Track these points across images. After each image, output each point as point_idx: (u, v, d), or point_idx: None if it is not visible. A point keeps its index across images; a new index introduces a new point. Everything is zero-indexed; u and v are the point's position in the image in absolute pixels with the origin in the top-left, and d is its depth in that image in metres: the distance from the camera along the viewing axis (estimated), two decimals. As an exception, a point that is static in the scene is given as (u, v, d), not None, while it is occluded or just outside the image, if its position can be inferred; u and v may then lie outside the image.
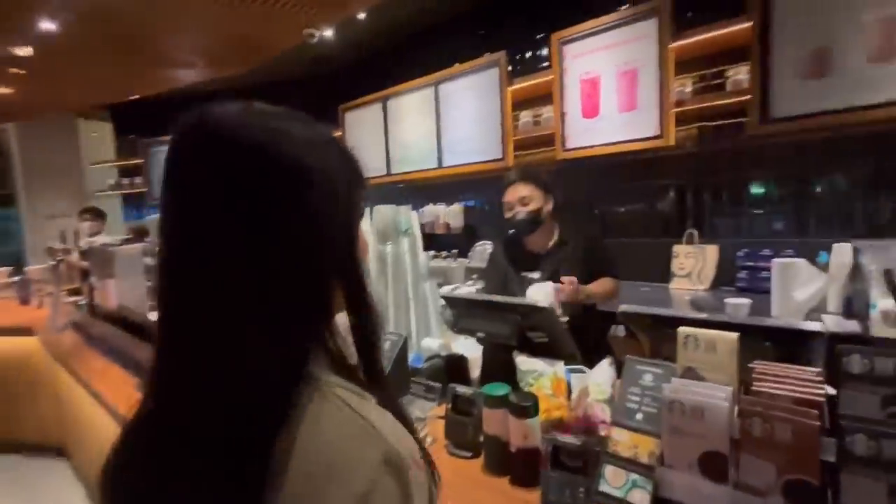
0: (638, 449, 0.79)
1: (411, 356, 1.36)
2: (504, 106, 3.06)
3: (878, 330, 1.32)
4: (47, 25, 2.84)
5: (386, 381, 0.49)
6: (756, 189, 2.48)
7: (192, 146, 0.41)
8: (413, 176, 3.70)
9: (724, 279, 2.44)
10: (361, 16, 3.25)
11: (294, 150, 0.42)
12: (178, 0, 2.67)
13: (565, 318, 1.42)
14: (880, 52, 1.84)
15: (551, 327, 1.15)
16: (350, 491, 0.37)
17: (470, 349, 1.40)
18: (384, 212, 1.46)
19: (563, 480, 0.84)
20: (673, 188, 2.72)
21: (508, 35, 3.32)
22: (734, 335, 0.74)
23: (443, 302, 1.51)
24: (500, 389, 0.98)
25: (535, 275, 1.66)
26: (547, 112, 2.97)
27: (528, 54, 3.23)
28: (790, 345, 0.86)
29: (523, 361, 1.12)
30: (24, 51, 3.23)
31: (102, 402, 1.62)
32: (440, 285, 1.92)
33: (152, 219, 2.11)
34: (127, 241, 2.45)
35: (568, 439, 0.85)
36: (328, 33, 3.26)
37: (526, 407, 0.91)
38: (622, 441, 0.82)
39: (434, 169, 3.51)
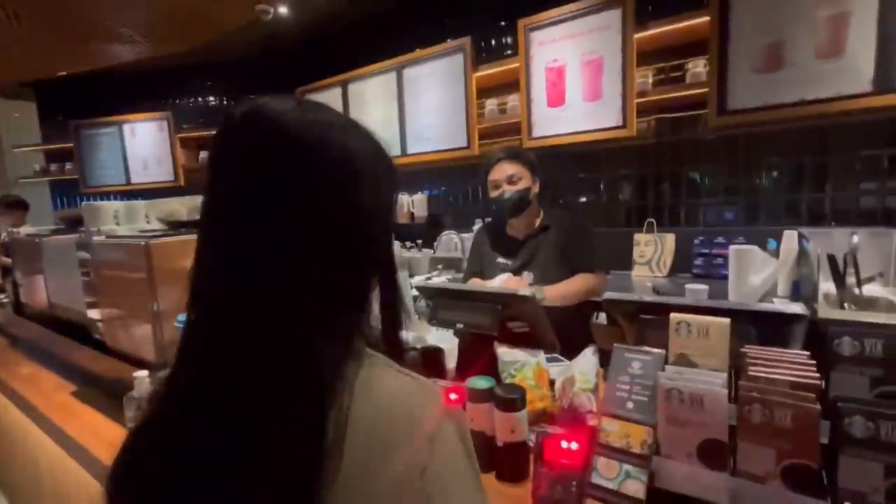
0: (630, 438, 0.77)
1: (384, 350, 1.29)
2: (469, 93, 3.01)
3: (823, 312, 1.38)
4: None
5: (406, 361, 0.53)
6: (710, 179, 2.58)
7: (247, 136, 0.43)
8: (375, 164, 3.58)
9: (682, 266, 2.53)
10: (319, -8, 3.08)
11: (345, 142, 0.46)
12: (112, -35, 2.41)
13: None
14: (829, 47, 1.94)
15: (533, 316, 1.12)
16: (421, 435, 0.41)
17: (445, 340, 1.35)
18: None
19: (553, 475, 0.81)
20: (633, 178, 2.79)
21: (474, 20, 3.25)
22: (726, 320, 0.73)
23: (415, 293, 1.45)
24: (483, 382, 0.93)
25: (509, 262, 1.62)
26: (513, 100, 2.95)
27: (494, 41, 3.18)
28: (768, 329, 0.88)
29: (505, 352, 1.09)
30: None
31: (32, 412, 1.45)
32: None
33: (88, 205, 1.90)
34: (57, 232, 2.21)
35: (557, 432, 0.83)
36: (283, 10, 3.07)
37: (513, 400, 0.87)
38: (613, 431, 0.80)
39: (398, 157, 3.41)
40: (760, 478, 0.62)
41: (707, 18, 2.22)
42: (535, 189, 1.65)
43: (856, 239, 1.47)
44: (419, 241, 3.43)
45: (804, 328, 0.83)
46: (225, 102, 4.97)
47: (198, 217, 0.46)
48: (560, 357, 1.24)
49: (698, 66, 2.36)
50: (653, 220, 2.64)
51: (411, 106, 3.31)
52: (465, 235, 3.06)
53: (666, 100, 2.49)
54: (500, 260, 1.66)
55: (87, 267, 1.67)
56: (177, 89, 4.93)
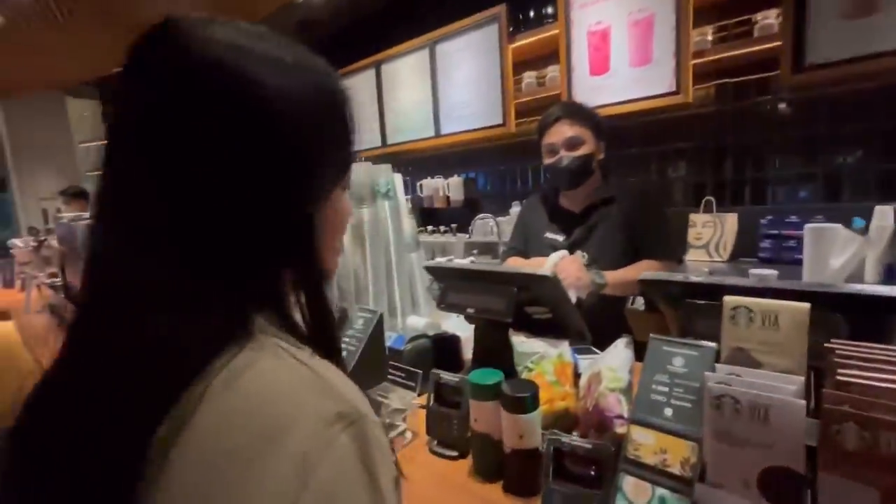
0: (667, 455, 0.60)
1: (393, 337, 1.18)
2: (505, 65, 2.81)
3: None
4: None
5: (342, 355, 0.43)
6: (781, 151, 2.24)
7: (147, 55, 0.37)
8: (410, 146, 3.48)
9: (745, 250, 2.23)
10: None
11: (257, 71, 0.35)
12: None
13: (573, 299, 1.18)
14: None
15: (555, 301, 0.96)
16: (287, 451, 0.29)
17: (463, 328, 1.21)
18: (358, 170, 1.26)
19: (568, 493, 0.65)
20: (689, 151, 2.49)
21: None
22: (805, 305, 0.54)
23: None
24: (489, 377, 0.79)
25: (560, 237, 1.41)
26: (552, 71, 2.72)
27: (531, 8, 2.94)
28: (863, 318, 0.67)
29: (521, 342, 0.93)
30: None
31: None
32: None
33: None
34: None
35: (575, 441, 0.67)
36: (314, -9, 3.01)
37: (521, 399, 0.72)
38: (646, 444, 0.63)
39: (432, 138, 3.28)
40: (854, 526, 0.44)
41: (780, -41, 1.90)
42: (600, 155, 1.39)
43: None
44: (453, 226, 3.30)
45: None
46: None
47: None
48: (593, 349, 1.07)
49: (769, 18, 2.03)
50: (711, 198, 2.34)
51: (444, 84, 3.15)
52: (501, 219, 2.89)
53: (729, 59, 2.17)
54: (549, 235, 1.42)
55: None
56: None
